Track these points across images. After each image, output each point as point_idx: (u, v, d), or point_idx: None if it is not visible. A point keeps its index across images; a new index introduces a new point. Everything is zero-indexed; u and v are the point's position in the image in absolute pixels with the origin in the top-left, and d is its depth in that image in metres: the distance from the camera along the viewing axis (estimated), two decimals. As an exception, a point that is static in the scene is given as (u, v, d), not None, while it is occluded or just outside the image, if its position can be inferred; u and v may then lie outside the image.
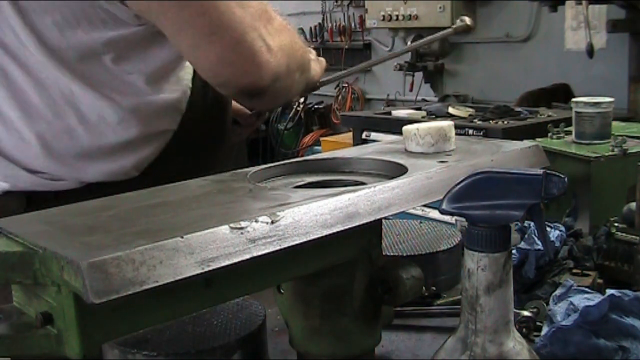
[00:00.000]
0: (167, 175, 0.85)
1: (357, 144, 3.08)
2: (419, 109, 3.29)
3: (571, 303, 0.86)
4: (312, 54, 1.23)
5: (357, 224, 0.68)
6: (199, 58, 0.94)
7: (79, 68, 1.00)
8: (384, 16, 4.32)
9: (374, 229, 0.79)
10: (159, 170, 1.06)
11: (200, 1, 0.90)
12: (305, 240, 0.63)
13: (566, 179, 0.56)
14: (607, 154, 1.39)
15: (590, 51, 2.90)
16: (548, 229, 1.11)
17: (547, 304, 0.92)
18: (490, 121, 2.76)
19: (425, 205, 0.75)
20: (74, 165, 1.04)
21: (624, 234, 1.11)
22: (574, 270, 1.06)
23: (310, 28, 5.35)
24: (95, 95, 1.01)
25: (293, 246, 0.62)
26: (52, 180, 1.04)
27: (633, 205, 1.11)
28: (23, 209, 1.03)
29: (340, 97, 5.25)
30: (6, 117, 1.03)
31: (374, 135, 3.15)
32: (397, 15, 4.26)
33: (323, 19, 5.28)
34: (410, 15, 4.18)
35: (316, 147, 4.94)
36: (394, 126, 2.75)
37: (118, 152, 1.05)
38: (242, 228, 0.60)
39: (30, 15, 0.96)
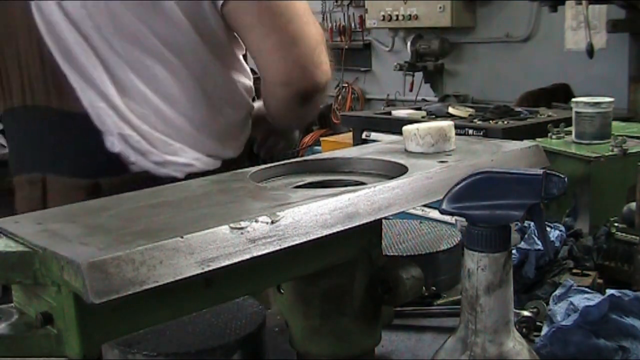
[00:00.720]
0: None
1: (357, 144, 3.08)
2: (419, 109, 3.29)
3: (571, 303, 0.86)
4: None
5: (357, 224, 0.68)
6: (275, 60, 1.15)
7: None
8: (384, 16, 4.33)
9: (374, 229, 0.79)
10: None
11: (287, 13, 1.13)
12: (305, 240, 0.63)
13: (566, 179, 0.56)
14: (607, 154, 1.39)
15: (590, 51, 2.90)
16: (548, 229, 1.11)
17: (547, 304, 0.92)
18: (490, 121, 2.76)
19: (425, 205, 0.75)
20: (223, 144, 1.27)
21: (624, 234, 1.11)
22: (574, 270, 1.06)
23: (311, 28, 5.33)
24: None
25: (293, 246, 0.62)
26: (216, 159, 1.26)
27: (633, 205, 1.11)
28: None
29: (340, 97, 5.25)
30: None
31: (374, 135, 3.15)
32: (397, 15, 4.26)
33: (323, 19, 5.28)
34: (410, 15, 4.18)
35: (316, 147, 4.93)
36: (394, 126, 2.75)
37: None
38: (242, 228, 0.60)
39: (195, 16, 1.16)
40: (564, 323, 0.82)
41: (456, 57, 4.26)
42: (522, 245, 1.05)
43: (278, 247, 0.61)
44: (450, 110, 3.00)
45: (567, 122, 1.60)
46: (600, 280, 1.06)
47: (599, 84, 3.14)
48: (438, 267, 0.97)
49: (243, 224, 0.60)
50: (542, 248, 1.03)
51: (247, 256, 0.59)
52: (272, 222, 0.62)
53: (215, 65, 1.22)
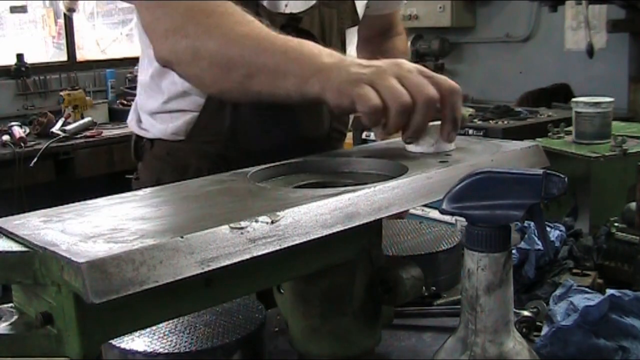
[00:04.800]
0: (205, 142, 1.19)
1: (357, 144, 3.08)
2: (419, 109, 3.29)
3: (571, 303, 0.86)
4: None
5: (357, 224, 0.68)
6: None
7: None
8: (384, 16, 4.32)
9: (374, 229, 0.79)
10: (198, 138, 1.24)
11: None
12: (305, 240, 0.63)
13: (566, 179, 0.56)
14: (607, 154, 1.39)
15: (590, 51, 2.90)
16: (548, 229, 1.11)
17: (547, 304, 0.92)
18: (490, 121, 2.76)
19: (425, 205, 0.75)
20: (150, 122, 1.30)
21: (624, 234, 1.11)
22: (574, 270, 1.06)
23: (310, 28, 5.33)
24: (148, 76, 1.27)
25: (293, 246, 0.62)
26: (145, 130, 1.32)
27: (633, 205, 1.11)
28: (133, 147, 1.37)
29: (340, 97, 5.23)
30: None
31: (374, 135, 3.15)
32: (397, 15, 4.25)
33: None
34: (410, 15, 4.17)
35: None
36: (394, 126, 2.74)
37: (162, 119, 1.28)
38: (242, 228, 0.60)
39: None
40: (564, 323, 0.82)
41: (456, 57, 4.26)
42: (522, 245, 1.06)
43: (278, 247, 0.61)
44: (450, 110, 2.99)
45: (567, 122, 1.60)
46: (600, 280, 1.06)
47: (599, 84, 3.14)
48: (438, 267, 0.97)
49: (243, 224, 0.60)
50: (542, 248, 1.03)
51: (247, 256, 0.59)
52: (272, 222, 0.62)
53: None
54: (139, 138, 1.36)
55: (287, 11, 1.22)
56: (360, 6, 1.38)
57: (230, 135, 1.19)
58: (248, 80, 0.98)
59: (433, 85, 0.87)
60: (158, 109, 1.27)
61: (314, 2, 1.25)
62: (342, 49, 1.33)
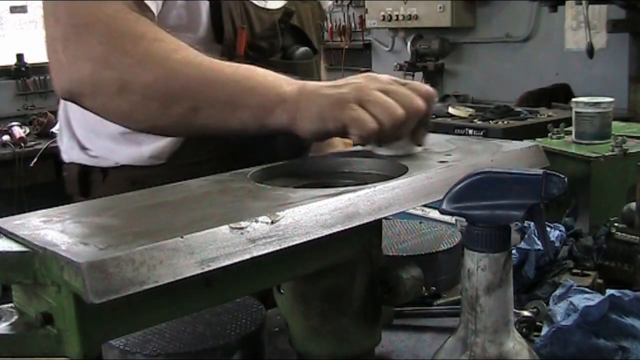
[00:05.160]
0: (191, 164, 0.97)
1: (357, 144, 3.07)
2: (419, 109, 3.29)
3: (571, 303, 0.86)
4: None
5: (357, 224, 0.68)
6: None
7: None
8: (384, 16, 4.32)
9: (374, 229, 0.79)
10: (183, 160, 1.10)
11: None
12: (305, 240, 0.63)
13: (566, 179, 0.56)
14: (607, 154, 1.39)
15: (590, 51, 2.90)
16: (548, 229, 1.11)
17: (547, 304, 0.92)
18: (490, 121, 2.75)
19: (425, 205, 0.75)
20: (108, 146, 1.13)
21: (624, 234, 1.11)
22: (574, 270, 1.06)
23: (310, 28, 5.34)
24: None
25: (293, 246, 0.62)
26: (96, 157, 1.15)
27: (633, 205, 1.11)
28: (77, 181, 1.17)
29: (340, 97, 5.23)
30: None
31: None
32: (397, 15, 4.25)
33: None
34: (410, 15, 4.17)
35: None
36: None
37: (135, 141, 1.10)
38: (242, 228, 0.60)
39: None
40: (564, 323, 0.82)
41: (456, 57, 4.25)
42: (522, 245, 1.05)
43: (278, 247, 0.61)
44: (450, 110, 2.99)
45: (567, 122, 1.60)
46: (600, 280, 1.06)
47: (599, 84, 3.14)
48: (438, 267, 0.97)
49: (243, 224, 0.60)
50: (542, 248, 1.03)
51: (247, 256, 0.59)
52: (272, 222, 0.62)
53: None
54: (85, 169, 1.16)
55: (268, 6, 1.18)
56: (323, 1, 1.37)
57: (228, 152, 1.02)
58: (192, 114, 0.89)
59: (412, 91, 0.86)
60: (127, 130, 1.06)
61: None
62: (319, 43, 1.31)
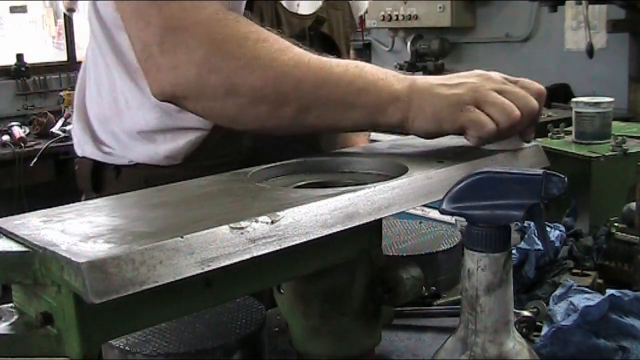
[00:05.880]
0: (207, 166, 0.92)
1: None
2: (419, 109, 3.29)
3: (571, 303, 0.86)
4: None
5: (357, 224, 0.68)
6: None
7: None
8: (383, 16, 4.32)
9: (374, 229, 0.79)
10: (199, 161, 1.08)
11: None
12: (305, 240, 0.63)
13: (566, 179, 0.56)
14: (607, 154, 1.39)
15: (590, 51, 2.90)
16: (548, 229, 1.11)
17: (547, 304, 0.92)
18: (491, 121, 2.75)
19: (425, 205, 0.75)
20: (124, 141, 1.11)
21: (624, 234, 1.11)
22: (574, 270, 1.06)
23: (310, 28, 5.33)
24: (134, 87, 1.08)
25: (293, 246, 0.62)
26: (109, 154, 1.13)
27: (633, 205, 1.11)
28: (90, 176, 1.15)
29: (340, 97, 5.23)
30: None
31: (374, 135, 3.15)
32: (397, 15, 4.25)
33: (323, 19, 5.27)
34: (410, 15, 4.17)
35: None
36: (394, 126, 2.74)
37: (151, 139, 1.09)
38: (242, 228, 0.60)
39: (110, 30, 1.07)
40: (564, 323, 0.82)
41: (456, 57, 4.25)
42: (522, 245, 1.05)
43: (278, 247, 0.61)
44: (450, 110, 2.99)
45: (567, 122, 1.60)
46: (600, 280, 1.06)
47: (599, 84, 3.14)
48: (438, 267, 0.97)
49: (243, 224, 0.60)
50: (542, 248, 1.03)
51: (247, 256, 0.59)
52: (272, 222, 0.62)
53: None
54: (99, 165, 1.14)
55: (299, 12, 1.15)
56: (355, 9, 1.34)
57: (249, 155, 1.00)
58: (303, 115, 0.88)
59: (524, 90, 0.87)
60: (147, 127, 1.07)
61: (321, 3, 1.19)
62: (347, 54, 1.27)
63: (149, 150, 1.09)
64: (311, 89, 0.87)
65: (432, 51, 4.20)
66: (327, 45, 1.19)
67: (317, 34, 1.17)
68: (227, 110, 0.90)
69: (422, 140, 0.90)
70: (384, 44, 4.83)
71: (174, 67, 0.88)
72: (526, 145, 0.91)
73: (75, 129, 1.18)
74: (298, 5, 1.15)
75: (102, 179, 1.14)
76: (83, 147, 1.16)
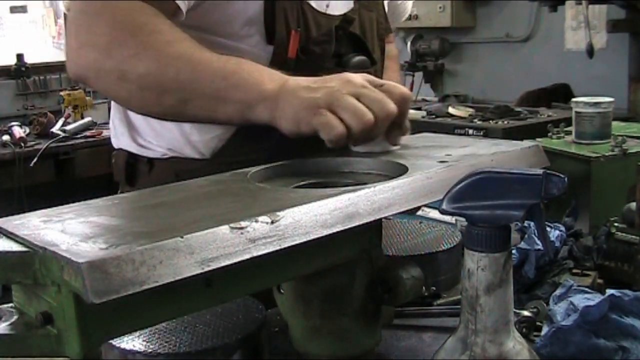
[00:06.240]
0: (236, 162, 0.92)
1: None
2: (419, 109, 3.29)
3: (571, 303, 0.86)
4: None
5: (357, 224, 0.68)
6: None
7: None
8: (384, 16, 4.32)
9: (374, 229, 0.79)
10: (228, 157, 1.10)
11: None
12: (305, 240, 0.63)
13: (566, 179, 0.56)
14: (607, 154, 1.39)
15: (590, 51, 2.90)
16: (548, 229, 1.11)
17: (547, 304, 0.92)
18: (490, 121, 2.76)
19: (425, 205, 0.75)
20: (156, 129, 1.15)
21: (624, 234, 1.11)
22: (574, 270, 1.06)
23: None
24: None
25: (293, 246, 0.62)
26: (144, 147, 1.18)
27: (633, 205, 1.11)
28: (124, 169, 1.20)
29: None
30: None
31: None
32: (397, 15, 4.25)
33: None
34: (410, 15, 4.17)
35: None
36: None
37: (183, 129, 1.13)
38: (242, 228, 0.60)
39: None
40: (564, 323, 0.82)
41: (456, 57, 4.25)
42: (522, 245, 1.05)
43: (278, 247, 0.61)
44: (450, 110, 2.99)
45: (567, 122, 1.60)
46: (600, 280, 1.06)
47: (599, 84, 3.14)
48: (438, 267, 0.97)
49: (243, 224, 0.60)
50: (542, 248, 1.03)
51: (247, 256, 0.59)
52: (272, 222, 0.62)
53: None
54: (133, 158, 1.19)
55: (329, 12, 1.17)
56: (394, 11, 1.34)
57: (274, 151, 0.93)
58: (182, 104, 0.94)
59: (386, 94, 0.86)
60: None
61: (353, 4, 1.20)
62: (382, 56, 1.29)
63: (180, 139, 1.13)
64: (187, 82, 0.92)
65: (432, 51, 4.20)
66: (358, 46, 1.22)
67: (347, 34, 1.18)
68: (120, 93, 0.98)
69: (422, 140, 0.90)
70: (384, 44, 4.83)
71: (79, 48, 0.96)
72: (394, 147, 0.91)
73: (114, 119, 1.23)
74: (327, 5, 1.17)
75: (136, 172, 1.19)
76: (119, 139, 1.22)
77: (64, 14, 4.77)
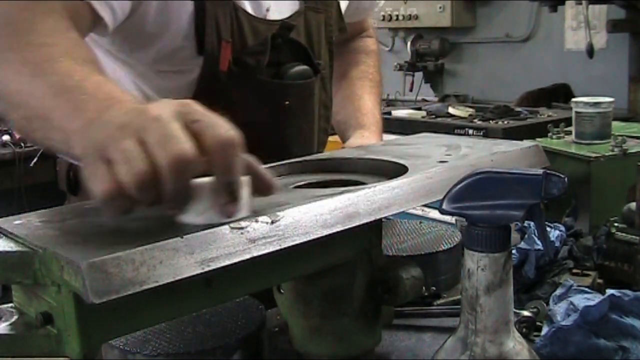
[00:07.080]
0: None
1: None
2: (419, 109, 3.29)
3: (571, 303, 0.86)
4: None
5: (357, 224, 0.68)
6: None
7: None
8: (384, 16, 4.32)
9: (374, 229, 0.79)
10: None
11: None
12: (305, 240, 0.63)
13: (566, 179, 0.56)
14: (607, 154, 1.39)
15: (590, 51, 2.90)
16: (548, 229, 1.11)
17: (547, 304, 0.92)
18: (490, 121, 2.76)
19: (425, 205, 0.75)
20: None
21: (624, 234, 1.11)
22: (574, 270, 1.06)
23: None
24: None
25: (293, 246, 0.62)
26: None
27: (633, 205, 1.11)
28: (65, 179, 1.11)
29: (340, 97, 5.22)
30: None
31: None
32: (397, 15, 4.25)
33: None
34: (410, 15, 4.17)
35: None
36: (394, 126, 2.74)
37: None
38: (242, 228, 0.60)
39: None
40: (564, 323, 0.82)
41: (456, 57, 4.25)
42: (522, 245, 1.05)
43: (278, 247, 0.61)
44: (450, 110, 2.99)
45: (567, 122, 1.60)
46: (600, 280, 1.06)
47: (599, 84, 3.14)
48: (438, 267, 0.97)
49: (243, 223, 0.60)
50: (542, 248, 1.03)
51: (247, 256, 0.59)
52: (272, 222, 0.62)
53: None
54: (74, 167, 1.09)
55: (269, 17, 1.08)
56: (354, 7, 1.27)
57: (274, 152, 0.89)
58: (27, 123, 0.80)
59: (195, 135, 0.59)
60: None
61: (298, 7, 1.12)
62: (330, 60, 1.21)
63: None
64: (26, 97, 0.79)
65: (432, 51, 4.20)
66: (299, 54, 1.13)
67: (286, 41, 1.10)
68: None
69: (422, 140, 0.90)
70: (384, 44, 4.83)
71: None
72: (240, 214, 0.62)
73: None
74: (268, 9, 1.08)
75: (79, 182, 1.07)
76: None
77: None
